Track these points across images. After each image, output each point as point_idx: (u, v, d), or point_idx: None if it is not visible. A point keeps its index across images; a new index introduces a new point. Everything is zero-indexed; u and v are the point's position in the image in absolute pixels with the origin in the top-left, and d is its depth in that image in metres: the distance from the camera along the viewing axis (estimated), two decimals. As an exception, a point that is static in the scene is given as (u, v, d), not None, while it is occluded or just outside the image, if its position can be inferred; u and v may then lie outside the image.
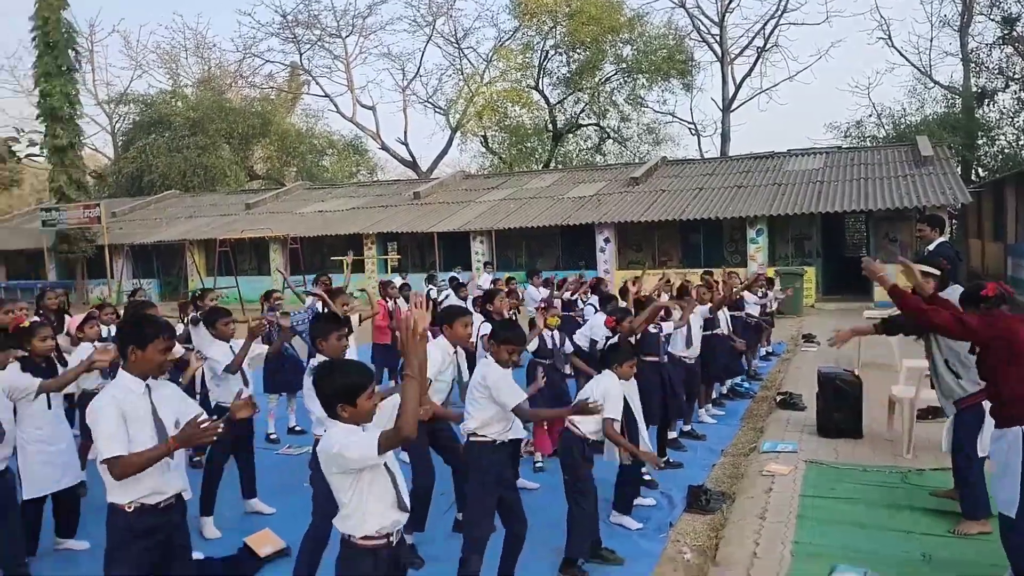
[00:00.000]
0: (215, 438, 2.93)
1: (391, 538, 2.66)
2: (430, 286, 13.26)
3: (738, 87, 34.79)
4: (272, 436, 7.43)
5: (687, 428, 7.04)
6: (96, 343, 5.74)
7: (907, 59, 32.57)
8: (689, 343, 6.89)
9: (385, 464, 2.63)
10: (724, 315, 8.25)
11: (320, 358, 4.09)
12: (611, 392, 4.28)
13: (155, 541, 3.03)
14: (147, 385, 3.05)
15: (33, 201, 43.22)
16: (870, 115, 33.02)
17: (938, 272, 4.70)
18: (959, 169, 23.36)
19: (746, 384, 8.97)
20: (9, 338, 4.61)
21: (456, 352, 4.75)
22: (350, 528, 2.63)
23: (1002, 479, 3.63)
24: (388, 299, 9.15)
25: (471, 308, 7.77)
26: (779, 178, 21.20)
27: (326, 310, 6.44)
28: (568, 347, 6.46)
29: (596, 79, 35.04)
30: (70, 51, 25.75)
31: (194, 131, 35.45)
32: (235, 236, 21.70)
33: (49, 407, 4.56)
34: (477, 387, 3.87)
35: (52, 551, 4.73)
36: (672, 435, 6.71)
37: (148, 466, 2.89)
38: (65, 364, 5.03)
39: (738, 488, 5.52)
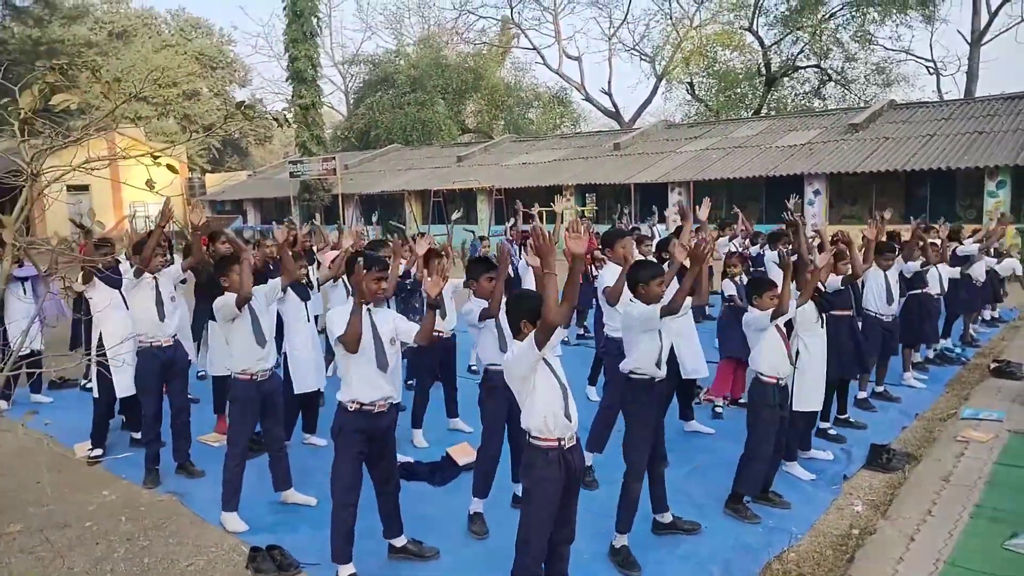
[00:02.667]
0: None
1: (562, 442, 3.15)
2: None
3: (993, 15, 30.17)
4: (473, 368, 8.29)
5: (880, 389, 6.80)
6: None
7: None
8: (890, 299, 6.61)
9: (556, 377, 3.16)
10: (940, 272, 7.72)
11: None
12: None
13: (366, 437, 3.77)
14: (367, 308, 3.74)
15: (281, 154, 49.26)
16: None
17: None
18: None
19: (958, 350, 8.31)
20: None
21: None
22: (529, 428, 3.17)
23: None
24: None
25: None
26: (1033, 122, 18.47)
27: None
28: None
29: (819, 15, 32.23)
30: (313, 18, 28.80)
31: (414, 88, 38.11)
32: (447, 187, 23.33)
33: (308, 320, 5.76)
34: (627, 326, 4.18)
35: (300, 444, 5.87)
36: (862, 395, 6.56)
37: (357, 325, 3.57)
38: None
39: (926, 452, 5.35)
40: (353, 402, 3.74)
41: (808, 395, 4.96)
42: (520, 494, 3.95)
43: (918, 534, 3.98)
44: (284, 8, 28.95)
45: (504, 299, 4.03)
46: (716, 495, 4.70)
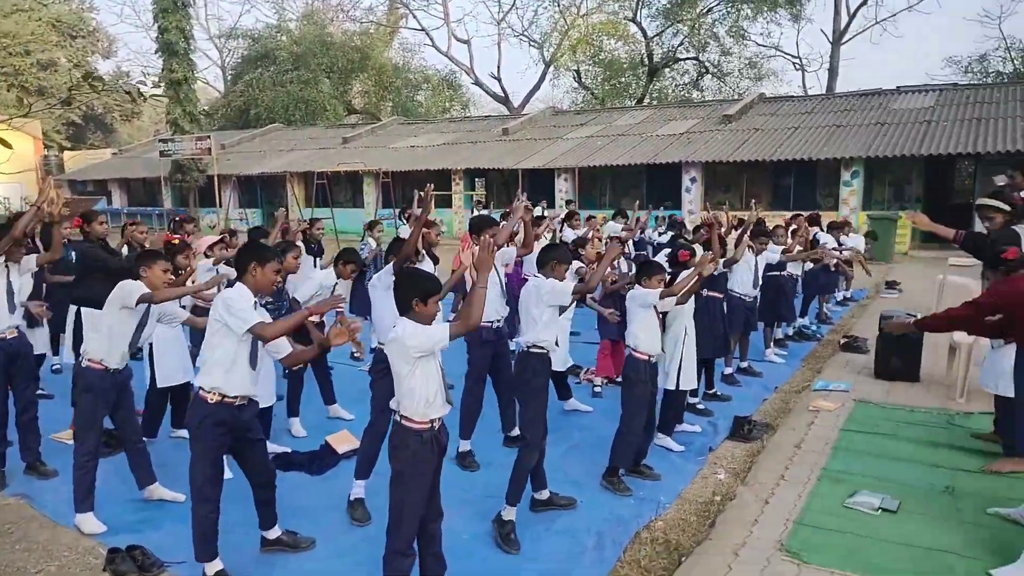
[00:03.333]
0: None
1: (434, 423, 3.21)
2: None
3: (851, 17, 32.60)
4: (356, 355, 8.13)
5: (744, 365, 7.25)
6: (223, 264, 6.44)
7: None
8: (756, 283, 7.04)
9: (438, 363, 3.19)
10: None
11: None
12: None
13: (227, 429, 3.59)
14: (255, 300, 3.56)
15: (151, 132, 46.18)
16: (997, 48, 30.40)
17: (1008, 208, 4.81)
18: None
19: (814, 327, 8.98)
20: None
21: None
22: (403, 410, 3.17)
23: None
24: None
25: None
26: (883, 117, 20.11)
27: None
28: None
29: (697, 9, 33.63)
30: (185, -14, 27.03)
31: (297, 65, 36.67)
32: (332, 169, 22.68)
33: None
34: (532, 300, 4.28)
35: (168, 438, 5.58)
36: (728, 371, 6.96)
37: (285, 332, 3.53)
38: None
39: (782, 421, 5.76)
40: (214, 392, 3.55)
41: (689, 373, 5.27)
42: None
43: (772, 497, 4.28)
44: (151, -26, 27.02)
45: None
46: (593, 471, 4.85)
